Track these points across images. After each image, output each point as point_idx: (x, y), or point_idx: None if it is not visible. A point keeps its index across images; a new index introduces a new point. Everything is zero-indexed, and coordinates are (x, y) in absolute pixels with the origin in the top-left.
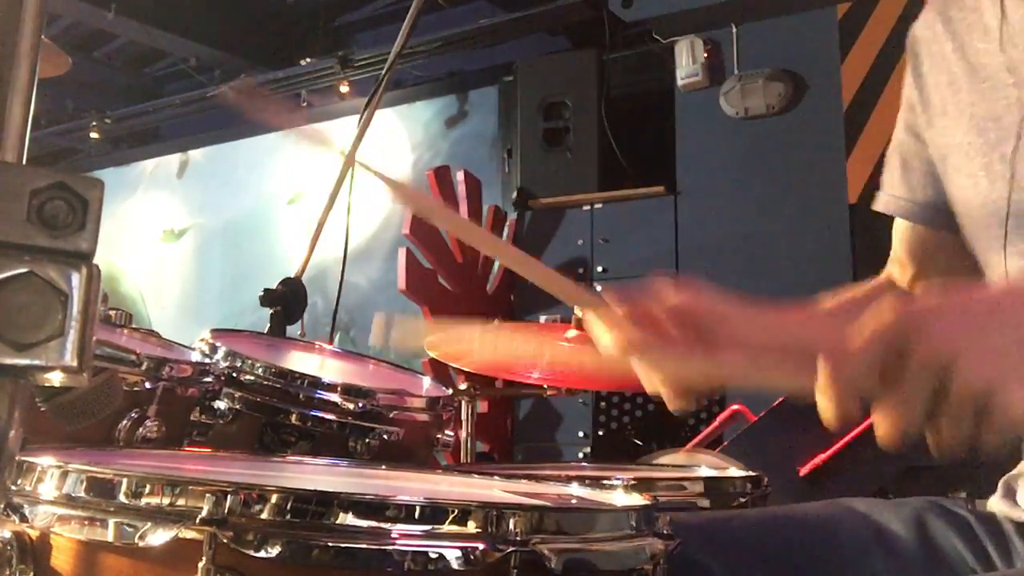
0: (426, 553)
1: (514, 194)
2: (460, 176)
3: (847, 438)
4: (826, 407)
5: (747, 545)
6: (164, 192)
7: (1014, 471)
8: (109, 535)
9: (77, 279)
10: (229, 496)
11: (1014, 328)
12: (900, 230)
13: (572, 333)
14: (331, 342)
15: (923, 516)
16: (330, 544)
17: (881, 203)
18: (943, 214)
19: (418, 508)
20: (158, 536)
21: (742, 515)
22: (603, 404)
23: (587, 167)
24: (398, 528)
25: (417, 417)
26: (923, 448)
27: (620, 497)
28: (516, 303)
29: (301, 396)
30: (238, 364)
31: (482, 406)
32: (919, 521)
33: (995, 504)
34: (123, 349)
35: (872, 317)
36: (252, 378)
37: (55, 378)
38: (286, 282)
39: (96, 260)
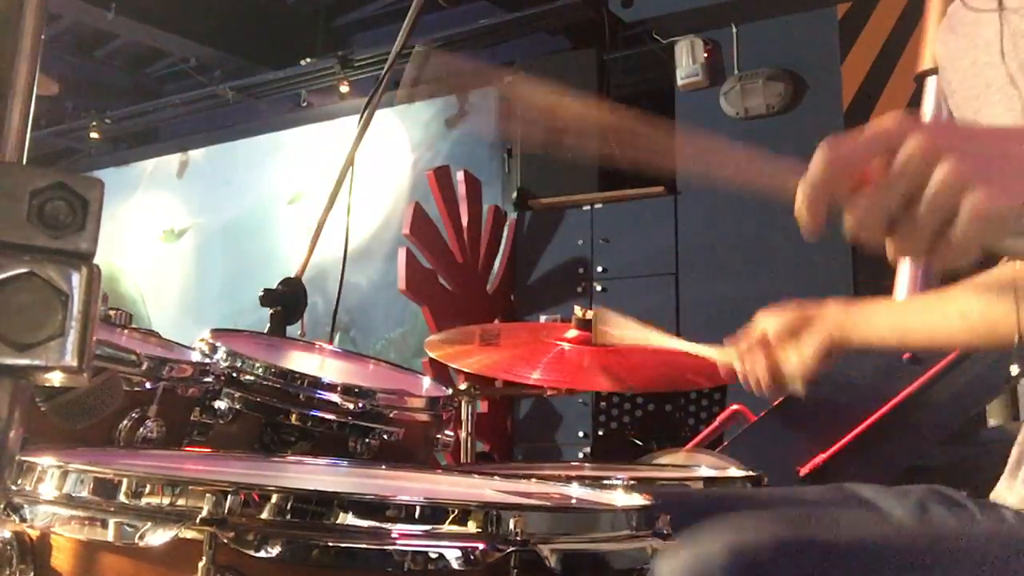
0: (426, 553)
1: (514, 194)
2: (460, 176)
3: (847, 438)
4: (801, 196)
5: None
6: (164, 192)
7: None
8: (109, 535)
9: (77, 279)
10: (229, 496)
11: (1000, 140)
12: None
13: (572, 333)
14: (331, 342)
15: (926, 503)
16: (330, 544)
17: None
18: None
19: (418, 508)
20: (158, 536)
21: (748, 495)
22: (603, 404)
23: (587, 167)
24: (398, 528)
25: (417, 417)
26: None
27: (620, 497)
28: (516, 303)
29: (301, 396)
30: (238, 364)
31: (482, 406)
32: (922, 507)
33: (996, 495)
34: (123, 349)
35: (878, 121)
36: (252, 378)
37: (55, 378)
38: (286, 282)
39: (96, 260)
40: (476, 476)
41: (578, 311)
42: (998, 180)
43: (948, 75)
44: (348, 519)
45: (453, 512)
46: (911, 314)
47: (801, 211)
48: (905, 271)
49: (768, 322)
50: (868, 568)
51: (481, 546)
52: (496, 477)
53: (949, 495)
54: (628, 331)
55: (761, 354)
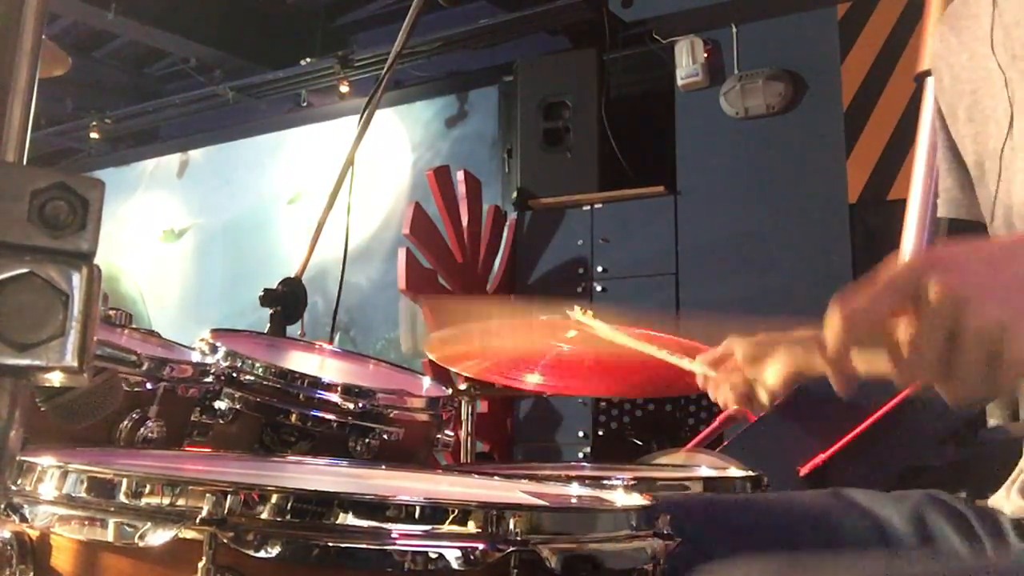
0: (426, 553)
1: (514, 194)
2: (460, 176)
3: (847, 438)
4: (827, 364)
5: (747, 530)
6: (164, 192)
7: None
8: (109, 535)
9: (78, 279)
10: (229, 496)
11: (1010, 257)
12: None
13: (572, 333)
14: (331, 342)
15: (922, 510)
16: (330, 544)
17: (942, 210)
18: None
19: (418, 508)
20: (158, 536)
21: (745, 500)
22: (603, 404)
23: (587, 167)
24: (398, 528)
25: (417, 417)
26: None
27: (620, 497)
28: (516, 303)
29: (301, 396)
30: (238, 364)
31: (482, 406)
32: (918, 514)
33: (995, 501)
34: (123, 349)
35: (886, 267)
36: (252, 378)
37: (55, 378)
38: (286, 282)
39: (96, 260)
40: (476, 476)
41: (578, 311)
42: None
43: (941, 72)
44: (348, 519)
45: (453, 512)
46: None
47: (832, 377)
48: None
49: (736, 345)
50: (790, 510)
51: (481, 546)
52: (496, 477)
53: (946, 501)
54: (605, 331)
55: (727, 374)
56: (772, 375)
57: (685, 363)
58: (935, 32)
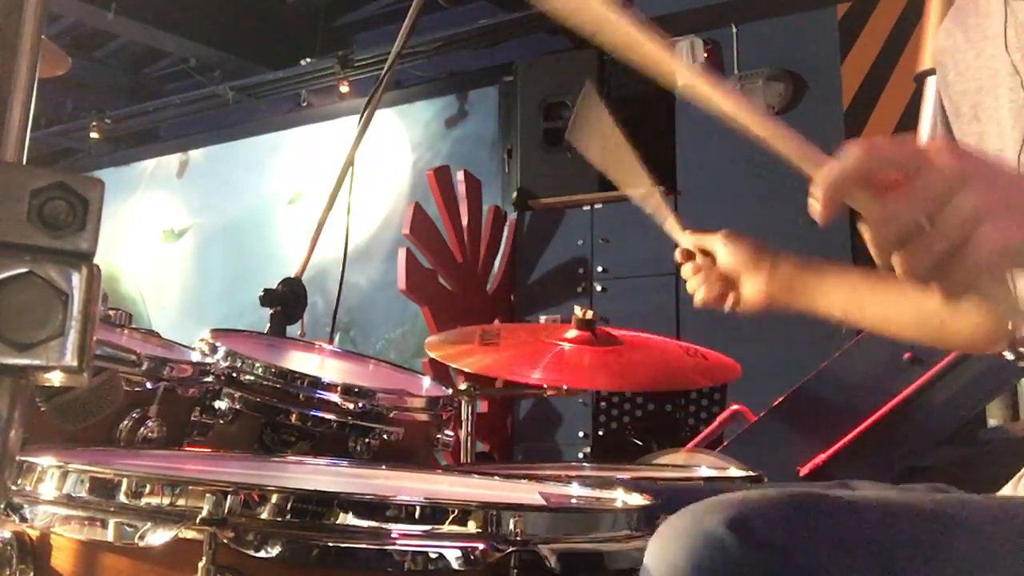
0: (426, 553)
1: (514, 194)
2: (460, 176)
3: (847, 438)
4: (824, 182)
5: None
6: (164, 192)
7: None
8: (109, 535)
9: (77, 279)
10: (229, 496)
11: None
12: None
13: (572, 333)
14: (331, 342)
15: None
16: (330, 544)
17: None
18: None
19: (418, 508)
20: (158, 536)
21: (838, 503)
22: (603, 404)
23: (587, 167)
24: (398, 528)
25: (417, 417)
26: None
27: (620, 497)
28: (516, 303)
29: (301, 396)
30: (238, 364)
31: (482, 406)
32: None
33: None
34: (123, 349)
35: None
36: (252, 378)
37: (55, 378)
38: (286, 282)
39: (96, 260)
40: (476, 476)
41: (578, 311)
42: (1019, 216)
43: (946, 68)
44: (348, 519)
45: (453, 512)
46: (864, 292)
47: (821, 196)
48: None
49: (721, 251)
50: (886, 521)
51: (481, 546)
52: (496, 477)
53: (951, 492)
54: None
55: (706, 273)
56: (747, 297)
57: (677, 233)
58: (942, 28)
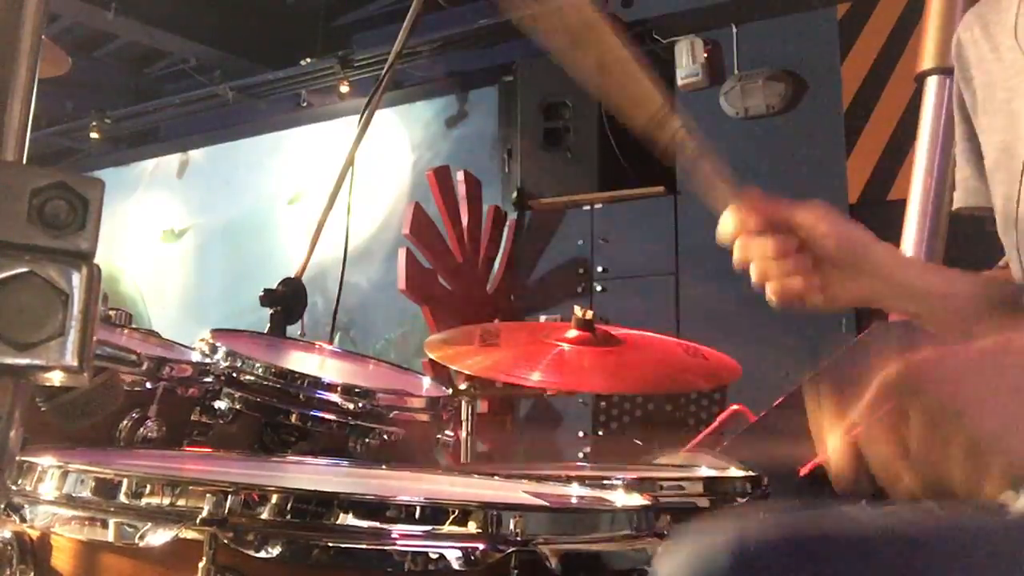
0: (426, 553)
1: (514, 194)
2: (460, 176)
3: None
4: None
5: None
6: (164, 192)
7: None
8: (109, 535)
9: (77, 279)
10: (229, 496)
11: (1014, 379)
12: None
13: (572, 333)
14: (331, 342)
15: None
16: (330, 544)
17: (959, 200)
18: None
19: (418, 508)
20: (158, 536)
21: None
22: (603, 404)
23: (587, 167)
24: (398, 528)
25: (417, 417)
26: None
27: (620, 497)
28: (516, 303)
29: (301, 396)
30: (238, 364)
31: (482, 406)
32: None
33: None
34: (123, 349)
35: (878, 375)
36: (252, 378)
37: (55, 378)
38: (286, 282)
39: (96, 260)
40: (476, 476)
41: (578, 311)
42: (1014, 426)
43: (967, 62)
44: (348, 519)
45: (453, 512)
46: (908, 270)
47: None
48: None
49: (820, 230)
50: (894, 562)
51: (481, 546)
52: (496, 477)
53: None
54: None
55: (793, 260)
56: (847, 287)
57: (721, 188)
58: (962, 21)
